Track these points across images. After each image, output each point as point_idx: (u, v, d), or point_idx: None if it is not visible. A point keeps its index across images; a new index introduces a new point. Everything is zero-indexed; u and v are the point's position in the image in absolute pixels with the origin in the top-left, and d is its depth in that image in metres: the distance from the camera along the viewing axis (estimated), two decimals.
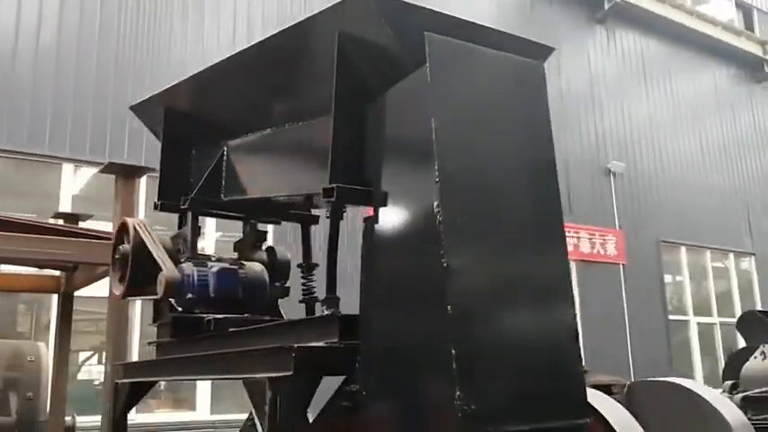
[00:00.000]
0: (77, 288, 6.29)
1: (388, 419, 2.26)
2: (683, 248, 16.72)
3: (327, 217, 2.50)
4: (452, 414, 1.98)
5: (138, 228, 3.63)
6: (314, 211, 3.92)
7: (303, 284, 3.69)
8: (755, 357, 10.64)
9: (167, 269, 3.24)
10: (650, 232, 15.87)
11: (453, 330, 2.03)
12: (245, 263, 3.42)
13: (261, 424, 2.35)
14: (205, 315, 3.15)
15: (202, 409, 9.67)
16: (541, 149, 2.41)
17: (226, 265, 3.32)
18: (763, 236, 18.07)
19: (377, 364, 2.33)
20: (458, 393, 1.99)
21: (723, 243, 17.23)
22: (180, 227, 3.83)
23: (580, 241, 14.98)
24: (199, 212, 3.61)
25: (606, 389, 3.70)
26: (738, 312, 16.49)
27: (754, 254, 17.86)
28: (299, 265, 3.72)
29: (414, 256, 2.25)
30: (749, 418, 5.90)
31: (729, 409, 3.60)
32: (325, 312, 2.47)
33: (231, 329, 2.96)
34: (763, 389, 9.01)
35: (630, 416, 3.04)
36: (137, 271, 3.52)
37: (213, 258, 3.43)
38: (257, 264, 3.46)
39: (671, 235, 16.35)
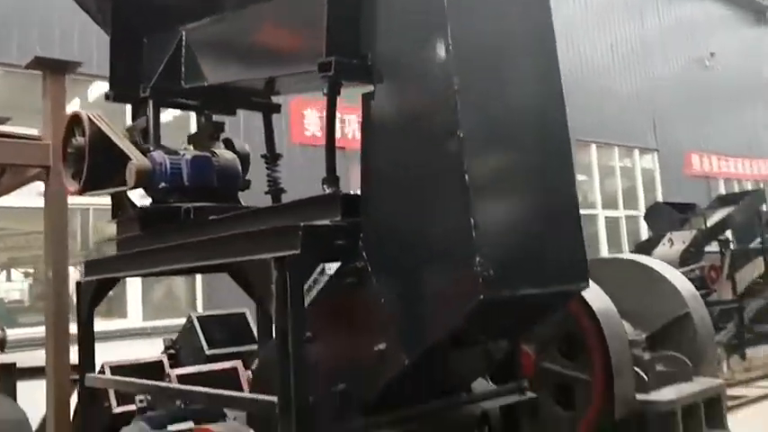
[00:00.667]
0: (2, 194, 5.94)
1: (396, 293, 2.29)
2: (594, 146, 17.36)
3: (324, 94, 2.42)
4: (473, 280, 2.03)
5: (94, 119, 3.41)
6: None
7: (268, 175, 3.61)
8: (664, 244, 11.43)
9: (137, 158, 3.08)
10: None
11: (471, 201, 2.05)
12: (216, 151, 3.30)
13: (267, 304, 2.34)
14: (180, 205, 3.03)
15: (134, 317, 9.52)
16: (543, 19, 2.41)
17: (198, 153, 3.19)
18: (665, 134, 18.99)
19: (382, 241, 2.34)
20: (478, 260, 2.03)
21: (629, 141, 18.00)
22: (134, 119, 3.63)
23: None
24: (159, 101, 3.42)
25: None
26: (642, 206, 17.52)
27: (657, 150, 18.79)
28: (263, 156, 3.63)
29: (419, 130, 2.23)
30: None
31: (680, 281, 3.87)
32: (327, 191, 2.43)
33: (215, 217, 2.87)
34: None
35: (598, 287, 3.21)
36: (95, 164, 3.35)
37: (182, 149, 3.29)
38: (228, 152, 3.35)
39: (583, 134, 16.90)
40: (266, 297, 2.33)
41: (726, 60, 20.38)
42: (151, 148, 3.19)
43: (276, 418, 2.26)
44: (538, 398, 2.95)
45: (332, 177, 2.43)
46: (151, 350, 5.86)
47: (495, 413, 2.84)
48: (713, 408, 3.48)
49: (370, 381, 2.37)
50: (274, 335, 2.28)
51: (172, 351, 4.92)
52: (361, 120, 2.39)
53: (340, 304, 2.46)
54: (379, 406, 2.43)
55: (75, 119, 3.54)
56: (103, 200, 3.85)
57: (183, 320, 6.88)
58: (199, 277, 10.77)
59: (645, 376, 3.35)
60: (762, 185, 19.28)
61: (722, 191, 18.54)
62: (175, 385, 3.05)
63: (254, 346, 6.42)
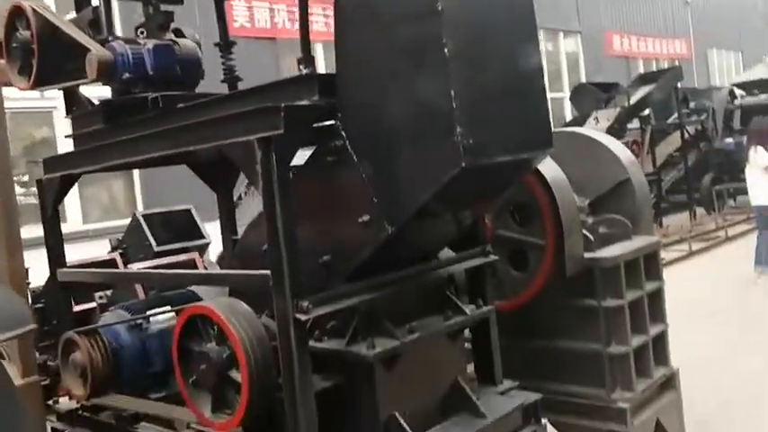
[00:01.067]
0: None
1: (376, 167, 2.42)
2: None
3: None
4: (455, 149, 2.18)
5: (38, 10, 3.29)
6: None
7: (223, 63, 3.59)
8: (589, 123, 11.89)
9: (96, 49, 3.02)
10: None
11: (453, 71, 2.16)
12: (175, 40, 3.25)
13: (254, 184, 2.43)
14: (147, 94, 3.02)
15: (74, 221, 9.38)
16: None
17: (159, 41, 3.14)
18: (587, 16, 19.22)
19: (360, 118, 2.44)
20: (458, 130, 2.17)
21: (555, 24, 18.18)
22: (78, 10, 3.51)
23: None
24: None
25: None
26: (567, 88, 17.93)
27: (580, 32, 19.08)
28: (216, 44, 3.60)
29: (396, 7, 2.29)
30: None
31: (620, 148, 4.14)
32: (303, 71, 2.48)
33: (185, 104, 2.88)
34: None
35: (550, 158, 3.42)
36: (46, 58, 3.26)
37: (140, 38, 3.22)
38: (188, 41, 3.30)
39: None
40: (253, 179, 2.40)
41: None
42: (109, 39, 3.11)
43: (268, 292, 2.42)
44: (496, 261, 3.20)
45: (308, 58, 2.49)
46: (94, 253, 5.89)
47: (461, 276, 3.08)
48: (651, 262, 3.84)
49: (354, 251, 2.53)
50: (264, 212, 2.38)
51: (120, 251, 4.95)
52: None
53: (320, 183, 2.58)
54: (359, 275, 2.61)
55: (17, 11, 3.40)
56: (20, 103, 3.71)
57: (123, 222, 6.85)
58: (137, 177, 10.61)
59: (591, 237, 3.65)
60: (677, 63, 19.96)
61: (641, 70, 19.12)
62: (167, 271, 3.12)
63: (203, 241, 6.50)
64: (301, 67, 2.48)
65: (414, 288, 2.77)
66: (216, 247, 6.92)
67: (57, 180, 3.48)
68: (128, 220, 5.80)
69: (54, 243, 3.59)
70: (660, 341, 3.89)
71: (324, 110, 2.47)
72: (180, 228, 6.28)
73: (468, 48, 2.25)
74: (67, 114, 3.62)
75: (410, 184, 2.35)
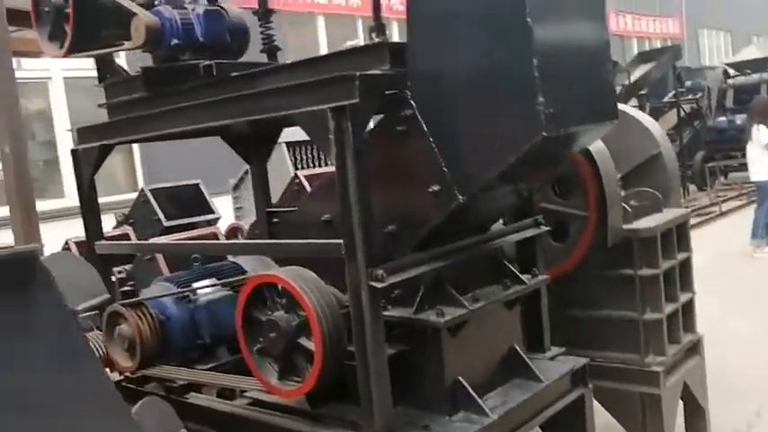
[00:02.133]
0: None
1: (448, 136, 2.42)
2: None
3: None
4: (535, 118, 2.19)
5: None
6: None
7: (262, 32, 3.55)
8: None
9: (142, 13, 2.97)
10: None
11: (535, 39, 2.17)
12: (221, 6, 3.20)
13: (326, 153, 2.43)
14: (198, 61, 2.98)
15: (73, 195, 9.24)
16: None
17: (210, 6, 3.09)
18: None
19: (432, 88, 2.44)
20: (540, 100, 2.18)
21: None
22: None
23: None
24: None
25: None
26: None
27: None
28: (254, 12, 3.55)
29: None
30: None
31: (651, 123, 4.18)
32: (375, 40, 2.47)
33: (242, 72, 2.85)
34: None
35: None
36: (83, 23, 3.20)
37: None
38: (234, 7, 3.26)
39: None
40: (325, 148, 2.39)
41: None
42: (155, 3, 3.06)
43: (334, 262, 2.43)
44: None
45: (379, 26, 2.47)
46: None
47: (510, 247, 3.11)
48: (682, 233, 3.91)
49: (422, 221, 2.55)
50: (338, 182, 2.38)
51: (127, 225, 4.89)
52: None
53: (388, 152, 2.58)
54: (423, 245, 2.63)
55: None
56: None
57: (124, 197, 6.75)
58: (137, 152, 10.47)
59: (628, 209, 3.69)
60: (669, 43, 20.06)
61: (635, 50, 19.19)
62: (225, 242, 3.09)
63: (213, 215, 6.45)
64: (373, 35, 2.46)
65: (473, 258, 2.79)
66: (225, 222, 6.90)
67: (94, 150, 3.44)
68: (128, 196, 5.76)
69: (91, 215, 3.55)
70: (688, 309, 3.97)
71: (395, 79, 2.47)
72: (188, 202, 6.23)
73: (547, 17, 2.25)
74: (100, 83, 3.57)
75: (485, 153, 2.36)
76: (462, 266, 2.72)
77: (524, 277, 2.90)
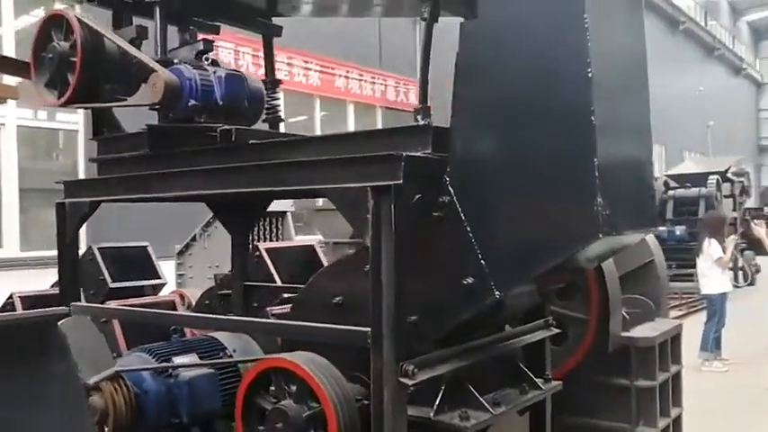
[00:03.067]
0: None
1: (488, 229, 2.31)
2: None
3: (423, 19, 2.34)
4: (594, 218, 2.10)
5: (85, 21, 3.06)
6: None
7: (268, 102, 3.44)
8: None
9: (161, 70, 2.82)
10: (445, 83, 16.83)
11: (597, 143, 2.11)
12: (240, 71, 3.08)
13: (359, 233, 2.28)
14: (214, 125, 2.81)
15: (11, 246, 8.73)
16: None
17: (231, 70, 2.97)
18: None
19: (474, 176, 2.34)
20: (599, 200, 2.11)
21: None
22: (117, 27, 3.30)
23: (387, 89, 15.39)
24: (167, 9, 3.11)
25: None
26: None
27: None
28: (263, 81, 3.46)
29: (533, 68, 2.23)
30: None
31: None
32: (421, 122, 2.38)
33: (265, 140, 2.71)
34: None
35: None
36: (87, 73, 3.03)
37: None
38: (252, 75, 3.14)
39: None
40: (359, 227, 2.25)
41: None
42: (174, 61, 2.92)
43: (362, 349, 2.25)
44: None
45: (425, 108, 2.38)
46: (33, 283, 5.46)
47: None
48: (675, 344, 3.87)
49: (452, 314, 2.40)
50: (371, 265, 2.23)
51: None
52: (458, 50, 2.35)
53: (420, 238, 2.45)
54: (445, 339, 2.48)
55: (57, 19, 3.16)
56: None
57: None
58: None
59: (626, 316, 3.64)
60: None
61: None
62: (249, 319, 2.82)
63: (159, 281, 6.11)
64: (418, 117, 2.37)
65: (490, 357, 2.65)
66: (170, 288, 6.58)
67: (84, 205, 3.20)
68: None
69: (70, 274, 3.27)
70: (677, 424, 3.89)
71: (436, 163, 2.37)
72: (135, 265, 5.90)
73: (606, 116, 2.21)
74: (95, 136, 3.36)
75: (532, 249, 2.25)
76: (480, 366, 2.58)
77: (539, 381, 2.76)
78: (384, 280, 2.23)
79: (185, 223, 8.46)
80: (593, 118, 2.11)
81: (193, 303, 4.97)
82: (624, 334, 3.59)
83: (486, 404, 2.43)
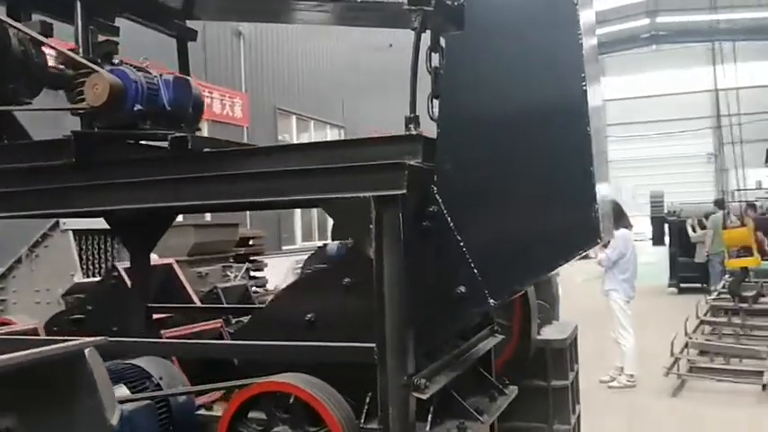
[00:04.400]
0: None
1: (479, 237, 2.33)
2: (294, 117, 18.02)
3: (413, 29, 2.32)
4: (594, 225, 2.21)
5: None
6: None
7: None
8: None
9: (103, 72, 2.51)
10: (269, 99, 16.75)
11: (590, 152, 2.22)
12: (181, 75, 2.83)
13: (358, 242, 2.19)
14: (166, 132, 2.55)
15: None
16: None
17: (176, 74, 2.71)
18: (351, 111, 20.50)
19: (462, 186, 2.35)
20: (596, 207, 2.22)
21: (323, 116, 19.09)
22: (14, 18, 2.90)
23: (213, 102, 14.98)
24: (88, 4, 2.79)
25: None
26: None
27: (344, 126, 20.22)
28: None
29: (525, 77, 2.29)
30: None
31: None
32: (413, 131, 2.34)
33: (232, 149, 2.50)
34: None
35: None
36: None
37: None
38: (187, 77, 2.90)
39: (286, 104, 17.43)
40: (360, 236, 2.16)
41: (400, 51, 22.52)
42: (115, 62, 2.62)
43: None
44: None
45: (415, 118, 2.35)
46: None
47: None
48: (575, 345, 4.15)
49: (444, 323, 2.38)
50: (382, 279, 2.15)
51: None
52: (444, 61, 2.36)
53: (410, 248, 2.41)
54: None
55: None
56: None
57: None
58: None
59: (538, 320, 3.84)
60: None
61: None
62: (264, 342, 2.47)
63: None
64: (411, 126, 2.33)
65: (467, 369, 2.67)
66: None
67: None
68: None
69: None
70: (579, 420, 4.16)
71: (428, 173, 2.35)
72: None
73: (595, 128, 2.32)
74: None
75: (529, 257, 2.30)
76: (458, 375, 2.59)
77: (502, 387, 2.83)
78: (389, 293, 2.17)
79: (6, 244, 7.61)
80: (588, 128, 2.22)
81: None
82: (539, 337, 3.78)
83: (477, 414, 2.44)
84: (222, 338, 4.20)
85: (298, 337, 2.47)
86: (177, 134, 2.53)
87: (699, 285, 15.29)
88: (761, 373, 7.54)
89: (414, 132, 2.33)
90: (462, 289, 2.34)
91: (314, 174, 2.26)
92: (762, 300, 10.53)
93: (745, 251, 10.52)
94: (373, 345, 2.17)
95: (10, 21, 2.71)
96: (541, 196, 2.29)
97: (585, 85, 2.22)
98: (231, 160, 2.49)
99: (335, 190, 2.22)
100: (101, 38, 2.96)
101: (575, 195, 2.24)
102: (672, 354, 8.09)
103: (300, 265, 13.29)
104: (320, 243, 15.70)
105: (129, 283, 4.37)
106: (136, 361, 3.07)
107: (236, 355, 2.55)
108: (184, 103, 2.71)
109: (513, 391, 2.91)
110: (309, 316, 2.53)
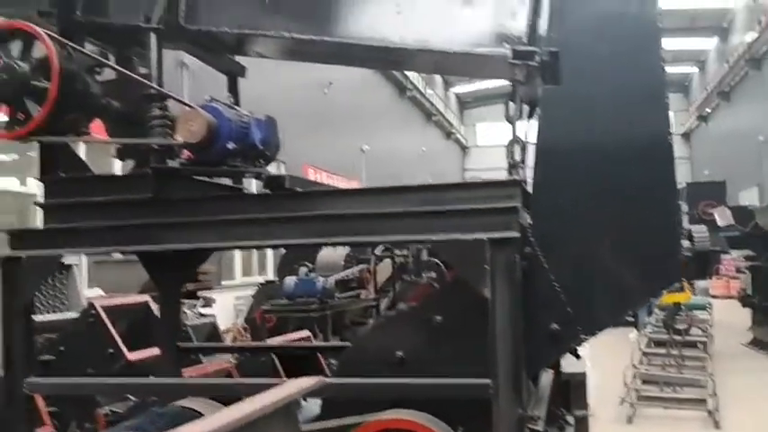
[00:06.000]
0: None
1: (572, 278, 2.46)
2: None
3: (513, 83, 2.46)
4: (677, 266, 2.40)
5: (58, 39, 2.63)
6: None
7: None
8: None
9: (198, 109, 2.51)
10: None
11: (678, 201, 2.42)
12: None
13: (474, 283, 2.28)
14: (260, 170, 2.57)
15: None
16: None
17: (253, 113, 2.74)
18: (290, 148, 20.42)
19: (556, 229, 2.49)
20: (681, 248, 2.41)
21: None
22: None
23: None
24: (168, 38, 2.79)
25: None
26: None
27: (285, 162, 20.12)
28: None
29: (618, 131, 2.46)
30: None
31: None
32: (515, 177, 2.47)
33: (320, 189, 2.55)
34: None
35: None
36: (63, 102, 2.61)
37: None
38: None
39: None
40: (474, 278, 2.24)
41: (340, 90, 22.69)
42: (206, 98, 2.62)
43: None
44: None
45: (516, 164, 2.48)
46: None
47: None
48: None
49: (539, 358, 2.49)
50: (497, 318, 2.25)
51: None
52: (539, 112, 2.51)
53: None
54: None
55: (9, 33, 2.66)
56: None
57: None
58: None
59: None
60: None
61: None
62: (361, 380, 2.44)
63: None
64: (513, 171, 2.46)
65: None
66: None
67: (51, 261, 2.67)
68: None
69: (23, 344, 2.67)
70: None
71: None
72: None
73: None
74: (46, 174, 2.83)
75: (619, 294, 2.45)
76: None
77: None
78: (503, 331, 2.27)
79: None
80: (678, 182, 2.42)
81: None
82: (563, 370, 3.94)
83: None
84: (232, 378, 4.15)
85: (388, 374, 2.52)
86: (273, 173, 2.56)
87: (629, 319, 16.03)
88: (704, 401, 8.07)
89: (516, 178, 2.46)
90: (556, 326, 2.47)
91: (424, 216, 2.35)
92: (692, 332, 11.22)
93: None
94: (488, 381, 2.25)
95: (81, 48, 2.68)
96: (630, 236, 2.45)
97: (671, 128, 2.42)
98: (324, 200, 2.55)
99: (449, 231, 2.31)
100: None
101: (662, 234, 2.42)
102: (625, 384, 8.49)
103: (243, 302, 13.10)
104: (260, 279, 15.50)
105: (107, 321, 4.21)
106: (186, 403, 3.03)
107: (344, 394, 2.56)
108: (273, 142, 2.74)
109: (572, 421, 3.04)
110: (399, 354, 2.60)
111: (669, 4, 28.38)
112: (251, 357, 4.32)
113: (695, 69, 39.42)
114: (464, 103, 44.24)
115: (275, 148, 2.80)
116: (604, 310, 2.48)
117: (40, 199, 2.82)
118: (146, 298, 4.48)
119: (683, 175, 30.08)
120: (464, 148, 44.04)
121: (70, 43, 2.66)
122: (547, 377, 3.08)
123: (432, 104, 34.39)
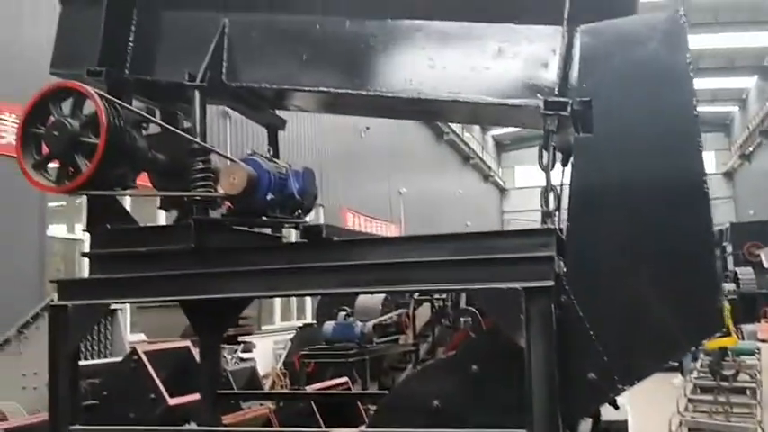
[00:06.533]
0: None
1: (609, 327, 2.45)
2: None
3: (547, 131, 2.50)
4: (718, 316, 2.37)
5: (107, 97, 2.75)
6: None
7: None
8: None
9: (240, 163, 2.61)
10: None
11: (714, 251, 2.40)
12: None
13: (512, 333, 2.29)
14: (298, 221, 2.65)
15: None
16: None
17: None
18: (328, 192, 20.66)
19: (591, 279, 2.48)
20: (721, 298, 2.39)
21: None
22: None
23: None
24: (211, 94, 2.91)
25: None
26: None
27: (323, 205, 20.35)
28: None
29: (651, 173, 2.47)
30: None
31: None
32: (549, 225, 2.49)
33: (356, 238, 2.61)
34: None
35: None
36: (112, 159, 2.72)
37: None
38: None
39: None
40: (511, 328, 2.26)
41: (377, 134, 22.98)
42: (249, 152, 2.73)
43: None
44: None
45: (550, 213, 2.50)
46: None
47: None
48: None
49: (578, 407, 2.47)
50: (533, 367, 2.25)
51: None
52: (573, 160, 2.54)
53: None
54: None
55: (62, 92, 2.80)
56: None
57: None
58: None
59: None
60: None
61: None
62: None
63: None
64: (548, 221, 2.49)
65: None
66: None
67: (96, 309, 2.75)
68: None
69: (70, 390, 2.74)
70: None
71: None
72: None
73: None
74: (93, 226, 2.94)
75: (658, 344, 2.43)
76: None
77: None
78: (539, 381, 2.26)
79: None
80: (717, 224, 2.41)
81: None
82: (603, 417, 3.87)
83: None
84: (270, 424, 4.16)
85: (423, 423, 2.53)
86: (310, 222, 2.63)
87: (674, 363, 15.62)
88: None
89: (551, 227, 2.48)
90: (593, 375, 2.45)
91: (459, 265, 2.38)
92: (740, 377, 10.87)
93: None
94: (524, 430, 2.24)
95: (128, 106, 2.81)
96: (666, 284, 2.44)
97: (705, 170, 2.42)
98: (360, 248, 2.59)
99: (484, 280, 2.33)
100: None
101: (702, 282, 2.40)
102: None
103: (282, 346, 13.15)
104: (299, 323, 15.59)
105: (149, 366, 4.27)
106: None
107: None
108: (310, 192, 2.82)
109: None
110: (435, 403, 2.60)
111: (708, 44, 28.32)
112: (289, 403, 4.37)
113: (736, 108, 38.96)
114: (503, 145, 44.38)
115: (313, 198, 2.88)
116: (642, 360, 2.45)
117: (87, 248, 2.93)
118: (187, 343, 4.56)
119: (726, 215, 29.60)
120: (502, 191, 44.00)
121: (118, 101, 2.79)
122: (585, 426, 3.03)
123: (469, 148, 34.55)
